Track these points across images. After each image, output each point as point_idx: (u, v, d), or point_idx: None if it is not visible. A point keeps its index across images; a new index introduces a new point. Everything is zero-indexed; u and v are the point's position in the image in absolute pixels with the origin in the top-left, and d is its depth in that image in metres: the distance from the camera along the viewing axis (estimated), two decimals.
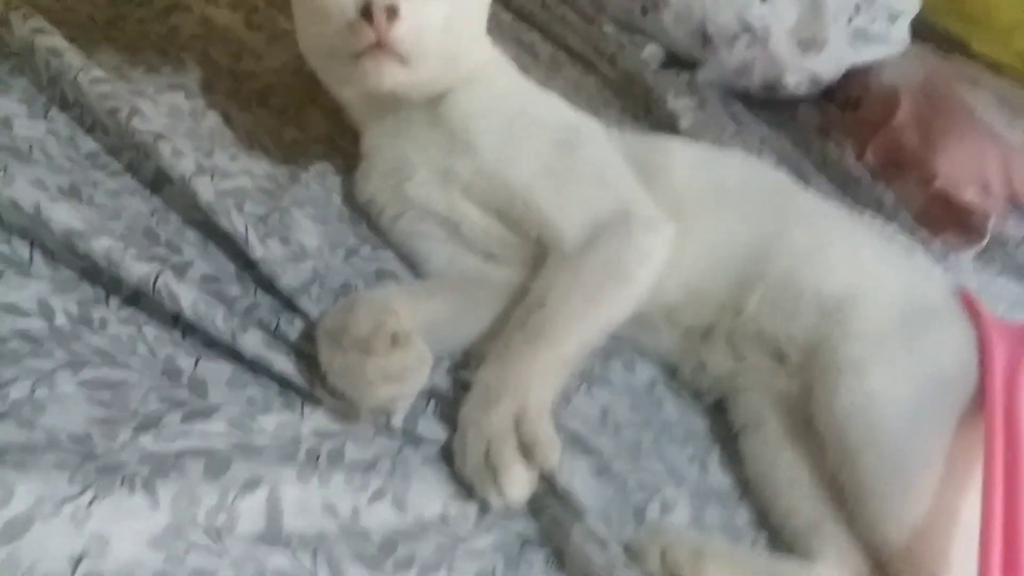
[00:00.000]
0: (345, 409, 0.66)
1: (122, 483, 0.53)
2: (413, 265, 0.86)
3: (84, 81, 0.80)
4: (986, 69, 1.85)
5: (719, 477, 0.81)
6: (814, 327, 0.84)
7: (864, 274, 0.88)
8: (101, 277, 0.67)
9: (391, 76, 0.78)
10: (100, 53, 0.95)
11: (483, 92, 0.87)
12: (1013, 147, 1.53)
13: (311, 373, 0.67)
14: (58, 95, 0.82)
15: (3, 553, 0.48)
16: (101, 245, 0.66)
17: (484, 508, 0.66)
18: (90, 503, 0.51)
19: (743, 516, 0.79)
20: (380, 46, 0.75)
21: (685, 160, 0.93)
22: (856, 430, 0.76)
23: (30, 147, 0.75)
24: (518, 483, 0.65)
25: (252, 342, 0.66)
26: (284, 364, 0.66)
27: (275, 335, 0.69)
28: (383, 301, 0.72)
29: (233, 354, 0.67)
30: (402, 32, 0.75)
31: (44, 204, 0.66)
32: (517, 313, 0.76)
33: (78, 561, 0.49)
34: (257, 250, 0.73)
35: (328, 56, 0.83)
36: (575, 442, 0.73)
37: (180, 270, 0.69)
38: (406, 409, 0.68)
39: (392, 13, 0.74)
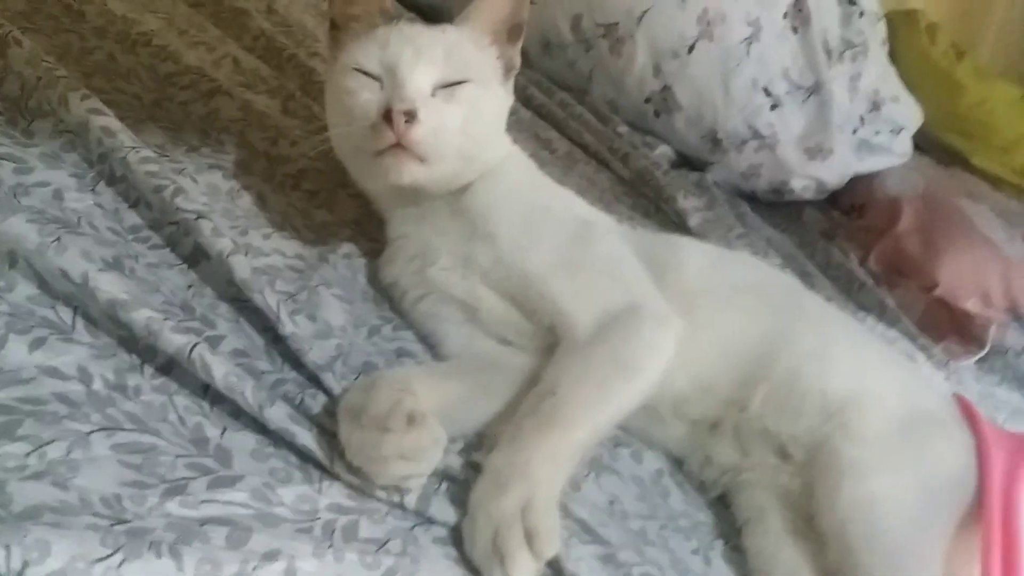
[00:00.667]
0: (361, 485, 0.68)
1: (149, 548, 0.55)
2: (432, 346, 0.88)
3: (133, 159, 0.85)
4: (985, 182, 1.92)
5: (722, 570, 0.82)
6: (817, 427, 0.86)
7: (866, 378, 0.90)
8: (137, 345, 0.70)
9: (410, 173, 0.83)
10: (145, 132, 1.00)
11: (502, 184, 0.92)
12: (1012, 259, 1.58)
13: (331, 448, 0.69)
14: (107, 171, 0.86)
15: None
16: (141, 316, 0.69)
17: None
18: (120, 564, 0.53)
19: None
20: (400, 146, 0.80)
21: (695, 259, 0.97)
22: (857, 531, 0.78)
23: (79, 219, 0.79)
24: (523, 570, 0.65)
25: (278, 415, 0.68)
26: (306, 438, 0.68)
27: (299, 409, 0.71)
28: (402, 381, 0.74)
29: (258, 426, 0.69)
30: (420, 134, 0.80)
31: (92, 274, 0.70)
32: (528, 399, 0.77)
33: None
34: (287, 327, 0.76)
35: (354, 152, 0.89)
36: (584, 530, 0.74)
37: (214, 343, 0.72)
38: (419, 488, 0.70)
39: (411, 116, 0.79)
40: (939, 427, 0.89)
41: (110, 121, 0.88)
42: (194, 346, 0.68)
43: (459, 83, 0.84)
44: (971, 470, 0.84)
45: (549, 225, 0.91)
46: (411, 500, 0.69)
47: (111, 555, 0.53)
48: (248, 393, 0.68)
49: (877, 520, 0.78)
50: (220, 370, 0.68)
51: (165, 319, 0.69)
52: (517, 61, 0.94)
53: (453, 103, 0.84)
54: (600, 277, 0.88)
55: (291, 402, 0.71)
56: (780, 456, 0.87)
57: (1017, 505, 0.79)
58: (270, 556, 0.58)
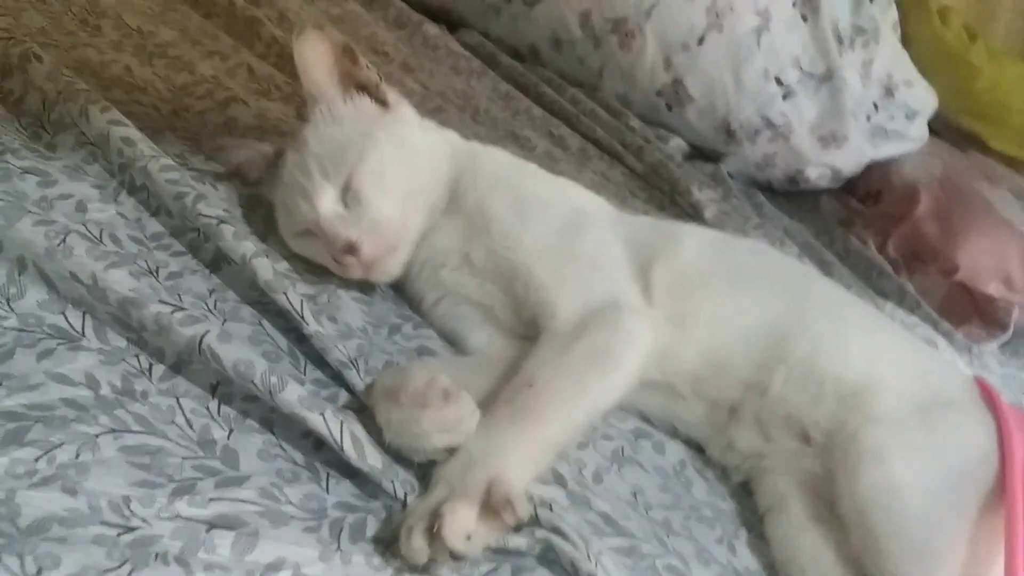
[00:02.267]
0: (373, 472, 0.69)
1: (156, 558, 0.56)
2: (454, 344, 0.89)
3: (154, 168, 0.86)
4: (1003, 165, 1.90)
5: (747, 559, 0.82)
6: (836, 411, 0.86)
7: (882, 361, 0.90)
8: (147, 348, 0.71)
9: (386, 272, 0.89)
10: (164, 142, 1.02)
11: (483, 180, 0.93)
12: None
13: (342, 432, 0.69)
14: (128, 180, 0.88)
15: None
16: (151, 312, 0.70)
17: None
18: (129, 574, 0.55)
19: None
20: (365, 268, 0.86)
21: (695, 242, 0.97)
22: (879, 516, 0.77)
23: (100, 231, 0.80)
24: (457, 520, 0.63)
25: (290, 399, 0.69)
26: (317, 422, 0.69)
27: (312, 395, 0.72)
28: (431, 366, 0.76)
29: (265, 427, 0.70)
30: (372, 253, 0.84)
31: (100, 274, 0.71)
32: (507, 389, 0.76)
33: None
34: (310, 326, 0.77)
35: None
36: (607, 522, 0.75)
37: (225, 337, 0.72)
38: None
39: (353, 249, 0.83)
40: (959, 410, 0.88)
41: (130, 132, 0.89)
42: (204, 336, 0.70)
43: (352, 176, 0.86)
44: (992, 453, 0.83)
45: (538, 213, 0.91)
46: None
47: (119, 566, 0.54)
48: (258, 379, 0.69)
49: (899, 504, 0.77)
50: (231, 357, 0.69)
51: (173, 312, 0.71)
52: (375, 79, 0.94)
53: (365, 196, 0.86)
54: (586, 270, 0.88)
55: (306, 390, 0.71)
56: (802, 440, 0.87)
57: None
58: (275, 566, 0.59)
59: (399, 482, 0.69)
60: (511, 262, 0.87)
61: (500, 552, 0.67)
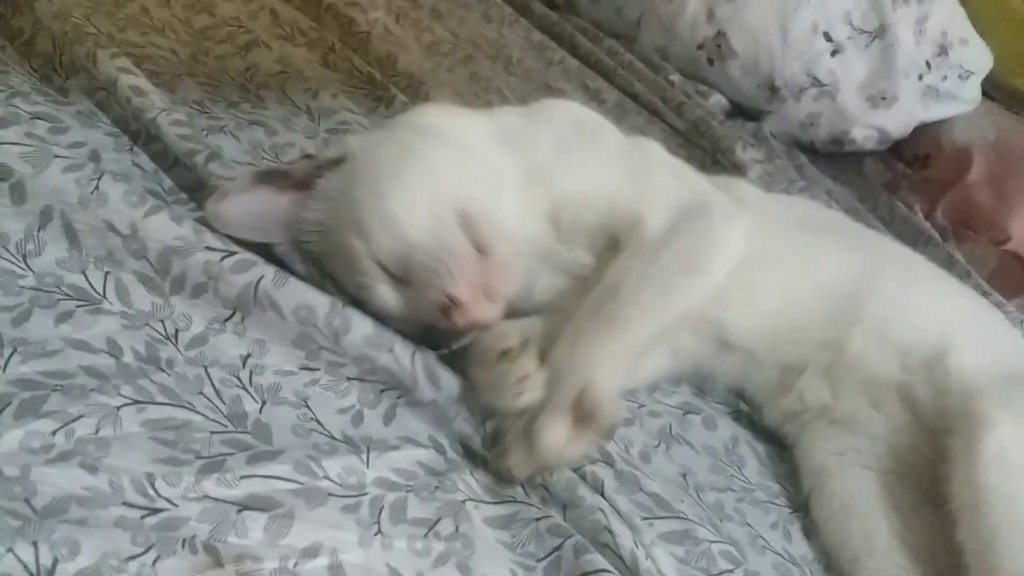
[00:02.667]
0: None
1: (183, 545, 0.52)
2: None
3: (164, 122, 0.81)
4: None
5: (802, 547, 0.77)
6: (923, 378, 0.83)
7: (958, 323, 0.87)
8: (173, 312, 0.66)
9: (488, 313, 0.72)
10: (182, 88, 0.96)
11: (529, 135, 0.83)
12: None
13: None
14: (143, 130, 0.82)
15: None
16: (198, 260, 0.66)
17: None
18: (155, 562, 0.50)
19: None
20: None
21: (754, 192, 0.93)
22: (1001, 507, 0.72)
23: (129, 183, 0.75)
24: (553, 433, 0.63)
25: (355, 340, 0.66)
26: (387, 359, 0.66)
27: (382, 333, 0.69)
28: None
29: (299, 401, 0.66)
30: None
31: (139, 223, 0.66)
32: (590, 300, 0.73)
33: None
34: None
35: None
36: (658, 505, 0.70)
37: (281, 280, 0.68)
38: None
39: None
40: None
41: (140, 81, 0.84)
42: (259, 281, 0.66)
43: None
44: None
45: (592, 141, 0.85)
46: None
47: (144, 552, 0.50)
48: (321, 322, 0.65)
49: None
50: (290, 303, 0.66)
51: (223, 259, 0.66)
52: None
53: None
54: (665, 175, 0.84)
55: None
56: (872, 406, 0.84)
57: None
58: (311, 551, 0.55)
59: (477, 411, 0.68)
60: (577, 191, 0.79)
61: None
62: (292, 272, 0.70)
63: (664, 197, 0.80)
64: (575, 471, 0.68)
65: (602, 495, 0.66)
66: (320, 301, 0.67)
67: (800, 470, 0.85)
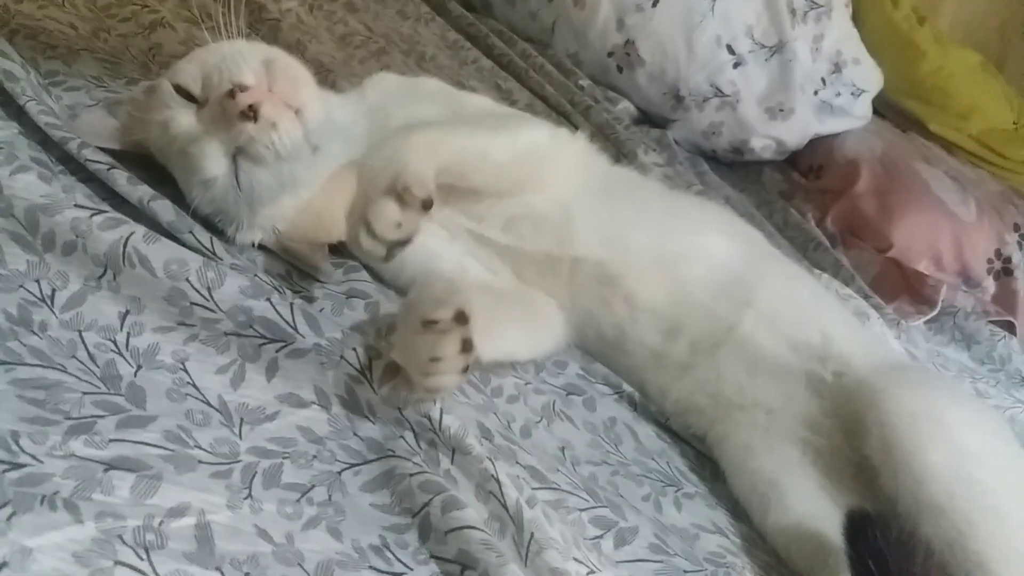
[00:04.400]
0: None
1: (42, 501, 0.52)
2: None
3: (33, 110, 0.78)
4: (941, 148, 1.93)
5: (673, 516, 0.81)
6: (809, 361, 0.89)
7: (834, 323, 0.93)
8: (49, 271, 0.66)
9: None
10: (80, 62, 0.95)
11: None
12: (964, 223, 1.59)
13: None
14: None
15: None
16: (66, 217, 0.65)
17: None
18: (9, 517, 0.50)
19: (701, 549, 0.79)
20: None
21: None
22: (966, 506, 0.76)
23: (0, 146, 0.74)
24: (383, 217, 0.68)
25: (231, 292, 0.66)
26: (265, 308, 0.67)
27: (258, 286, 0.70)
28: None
29: (174, 365, 0.66)
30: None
31: (5, 182, 0.66)
32: None
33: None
34: (225, 260, 0.73)
35: None
36: (533, 476, 0.72)
37: (152, 237, 0.68)
38: None
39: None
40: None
41: (13, 66, 0.81)
42: (128, 237, 0.66)
43: None
44: None
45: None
46: None
47: None
48: (194, 276, 0.66)
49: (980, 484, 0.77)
50: (161, 257, 0.67)
51: (93, 216, 0.66)
52: None
53: None
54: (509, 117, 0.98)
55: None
56: (783, 390, 0.89)
57: None
58: (178, 511, 0.55)
59: (361, 350, 0.69)
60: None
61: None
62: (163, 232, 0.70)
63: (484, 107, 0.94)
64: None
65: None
66: (192, 256, 0.67)
67: (720, 456, 0.90)
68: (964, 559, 0.74)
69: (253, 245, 0.81)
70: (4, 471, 0.52)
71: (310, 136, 0.78)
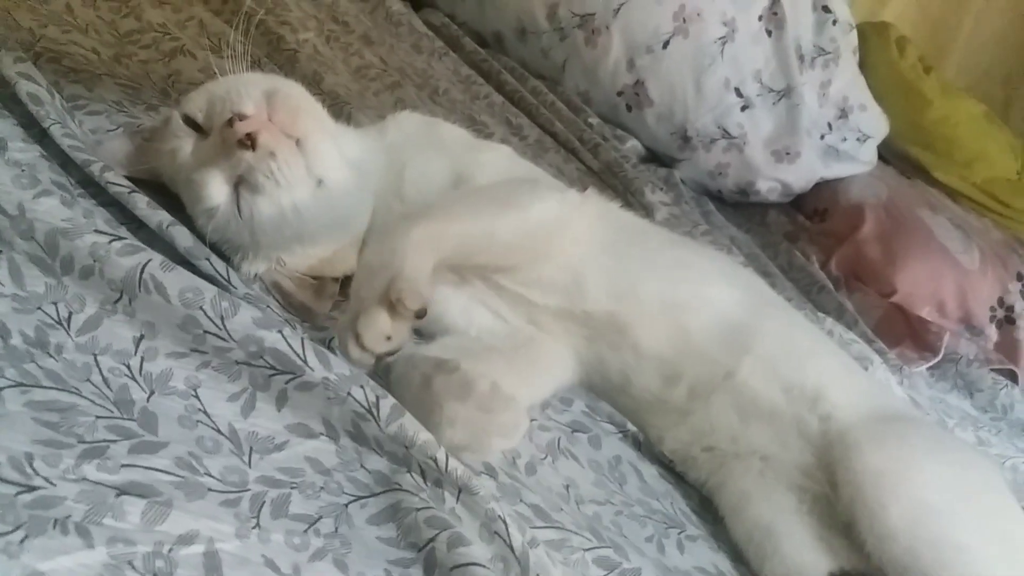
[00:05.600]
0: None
1: (55, 525, 0.52)
2: None
3: (57, 133, 0.79)
4: (945, 195, 1.95)
5: (675, 558, 0.81)
6: (800, 411, 0.88)
7: (832, 371, 0.93)
8: (67, 294, 0.67)
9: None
10: (101, 87, 0.96)
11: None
12: (968, 270, 1.60)
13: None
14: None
15: None
16: (86, 242, 0.66)
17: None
18: (22, 540, 0.50)
19: None
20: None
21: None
22: (929, 555, 0.77)
23: (22, 168, 0.75)
24: (373, 329, 0.66)
25: (243, 322, 0.66)
26: (274, 339, 0.67)
27: (269, 316, 0.70)
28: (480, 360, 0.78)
29: (187, 392, 0.66)
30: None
31: (28, 205, 0.67)
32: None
33: None
34: (239, 289, 0.73)
35: None
36: (537, 515, 0.72)
37: (168, 265, 0.69)
38: None
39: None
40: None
41: (39, 90, 0.83)
42: (146, 264, 0.66)
43: None
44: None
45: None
46: None
47: (12, 531, 0.50)
48: (208, 304, 0.66)
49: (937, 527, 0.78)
50: (176, 285, 0.66)
51: (112, 242, 0.67)
52: None
53: None
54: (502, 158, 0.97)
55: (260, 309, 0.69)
56: (776, 438, 0.88)
57: None
58: (187, 539, 0.56)
59: (369, 388, 0.68)
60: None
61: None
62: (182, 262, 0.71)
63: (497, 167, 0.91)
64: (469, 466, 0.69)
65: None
66: (207, 286, 0.68)
67: (718, 502, 0.90)
68: None
69: (255, 276, 0.81)
70: (17, 493, 0.52)
71: (312, 167, 0.78)
